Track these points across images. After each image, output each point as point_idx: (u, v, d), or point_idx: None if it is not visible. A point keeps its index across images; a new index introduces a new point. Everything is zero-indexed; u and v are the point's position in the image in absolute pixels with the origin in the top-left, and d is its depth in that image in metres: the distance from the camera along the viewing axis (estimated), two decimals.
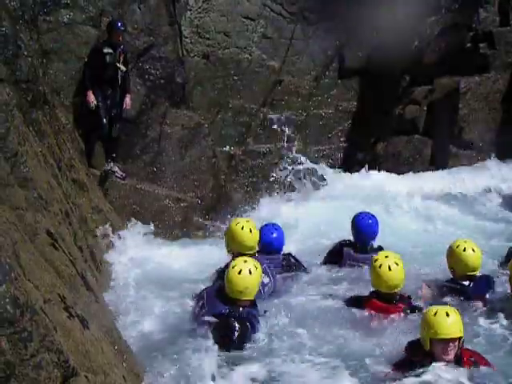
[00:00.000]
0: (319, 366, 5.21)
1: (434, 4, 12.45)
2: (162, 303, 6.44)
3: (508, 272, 6.32)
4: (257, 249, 6.82)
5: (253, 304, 5.76)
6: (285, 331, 5.72)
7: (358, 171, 11.73)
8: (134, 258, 8.05)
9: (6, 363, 2.80)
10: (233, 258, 6.33)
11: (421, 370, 4.80)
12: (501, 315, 5.92)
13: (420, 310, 5.84)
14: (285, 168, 11.28)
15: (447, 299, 6.23)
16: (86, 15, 9.35)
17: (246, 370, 5.12)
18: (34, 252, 3.87)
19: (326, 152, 12.53)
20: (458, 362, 4.84)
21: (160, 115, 10.12)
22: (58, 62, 9.12)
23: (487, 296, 6.33)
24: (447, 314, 4.82)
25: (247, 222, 6.76)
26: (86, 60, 9.19)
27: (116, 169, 9.41)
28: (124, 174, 9.48)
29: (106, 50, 9.10)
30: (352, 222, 7.48)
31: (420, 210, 10.43)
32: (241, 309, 5.60)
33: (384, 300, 5.92)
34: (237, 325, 5.47)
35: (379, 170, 11.75)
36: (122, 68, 9.24)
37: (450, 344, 4.82)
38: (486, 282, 6.45)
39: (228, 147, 11.14)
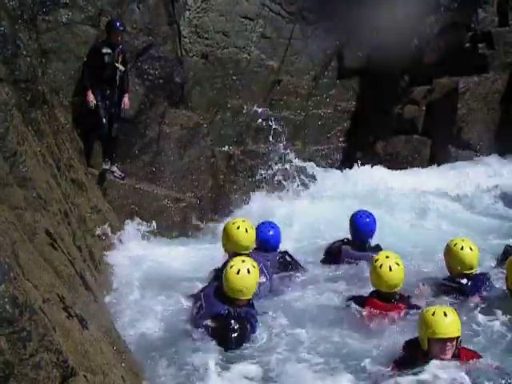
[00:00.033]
0: (317, 366, 5.21)
1: (433, 4, 12.47)
2: (161, 303, 6.43)
3: (504, 270, 6.35)
4: (254, 246, 6.84)
5: (250, 303, 5.78)
6: (283, 330, 5.73)
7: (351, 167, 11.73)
8: (133, 258, 8.05)
9: (5, 363, 2.80)
10: (229, 258, 6.36)
11: (419, 369, 4.81)
12: (498, 312, 5.94)
13: (419, 308, 5.85)
14: (284, 168, 11.29)
15: (445, 297, 6.26)
16: (85, 15, 9.33)
17: (244, 369, 5.13)
18: (32, 252, 3.87)
19: (324, 152, 12.56)
20: (456, 361, 4.86)
21: (159, 115, 10.11)
22: (56, 61, 9.11)
23: (484, 294, 6.36)
24: (445, 314, 4.85)
25: (243, 221, 6.73)
26: (84, 60, 9.18)
27: (115, 169, 9.41)
28: (123, 174, 9.48)
29: (104, 50, 9.09)
30: (350, 220, 7.56)
31: (417, 206, 10.46)
32: (239, 308, 5.61)
33: (384, 299, 5.94)
34: (236, 325, 5.48)
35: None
36: (121, 68, 9.23)
37: (448, 343, 4.85)
38: (483, 280, 6.48)
39: (227, 147, 11.15)
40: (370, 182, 10.96)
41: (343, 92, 12.83)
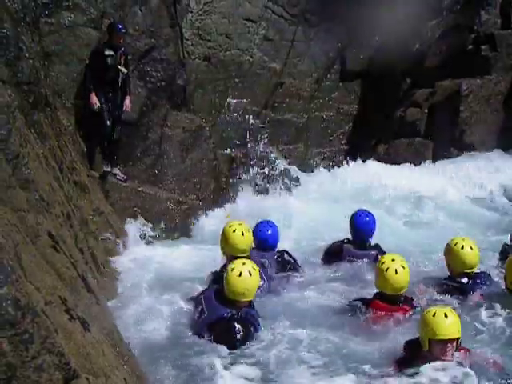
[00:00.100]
0: (318, 367, 5.21)
1: (436, 6, 12.48)
2: (164, 304, 6.43)
3: (503, 270, 6.42)
4: (253, 246, 6.88)
5: (250, 304, 5.78)
6: (283, 331, 5.71)
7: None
8: (135, 260, 8.06)
9: (8, 365, 2.80)
10: (227, 261, 6.38)
11: (419, 370, 4.84)
12: (499, 310, 5.96)
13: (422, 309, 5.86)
14: (285, 169, 11.31)
15: (445, 297, 6.29)
16: (88, 17, 9.33)
17: (244, 369, 5.12)
18: (35, 254, 3.86)
19: (327, 154, 12.56)
20: (456, 361, 4.87)
21: (161, 117, 10.12)
22: (59, 64, 9.11)
23: (485, 292, 6.37)
24: (445, 315, 4.87)
25: (240, 224, 6.73)
26: (87, 62, 9.20)
27: (117, 171, 9.41)
28: (125, 177, 9.48)
29: (107, 52, 9.09)
30: (350, 220, 7.60)
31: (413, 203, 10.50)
32: (240, 310, 5.60)
33: (388, 301, 5.94)
34: (240, 327, 5.49)
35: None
36: (123, 70, 9.24)
37: (449, 344, 4.87)
38: (484, 279, 6.51)
39: (229, 150, 11.15)
40: (365, 180, 11.03)
41: (345, 95, 12.84)
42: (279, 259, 7.19)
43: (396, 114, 12.69)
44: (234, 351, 5.38)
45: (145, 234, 8.96)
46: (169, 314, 6.21)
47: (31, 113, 6.10)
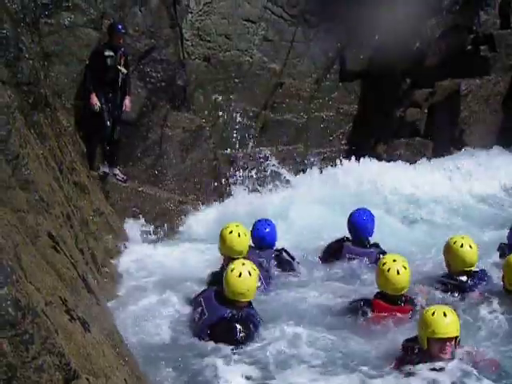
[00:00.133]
0: (318, 366, 5.23)
1: (435, 6, 12.48)
2: (164, 305, 6.43)
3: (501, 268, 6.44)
4: (250, 247, 6.91)
5: (250, 304, 5.78)
6: (284, 331, 5.71)
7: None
8: (136, 261, 8.06)
9: (8, 365, 2.80)
10: (225, 262, 6.41)
11: (418, 368, 4.86)
12: (497, 308, 6.00)
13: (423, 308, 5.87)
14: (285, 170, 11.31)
15: (445, 295, 6.33)
16: (88, 18, 9.33)
17: (244, 369, 5.13)
18: (35, 254, 3.87)
19: (326, 154, 12.55)
20: (455, 360, 4.89)
21: (161, 118, 10.12)
22: (59, 64, 9.11)
23: (483, 290, 6.42)
24: (444, 314, 4.89)
25: (237, 226, 6.75)
26: (87, 63, 9.20)
27: (117, 171, 9.42)
28: (125, 177, 9.49)
29: (106, 53, 9.10)
30: (348, 218, 7.61)
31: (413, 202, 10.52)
32: (241, 310, 5.61)
33: (390, 301, 5.96)
34: (241, 327, 5.50)
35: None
36: (123, 70, 9.24)
37: (447, 343, 4.90)
38: (483, 277, 6.55)
39: (229, 150, 11.15)
40: (365, 179, 11.05)
41: (345, 95, 12.82)
42: (278, 258, 7.20)
43: (396, 114, 12.69)
44: (234, 351, 5.39)
45: (145, 235, 8.96)
46: (169, 315, 6.22)
47: (31, 113, 6.10)
